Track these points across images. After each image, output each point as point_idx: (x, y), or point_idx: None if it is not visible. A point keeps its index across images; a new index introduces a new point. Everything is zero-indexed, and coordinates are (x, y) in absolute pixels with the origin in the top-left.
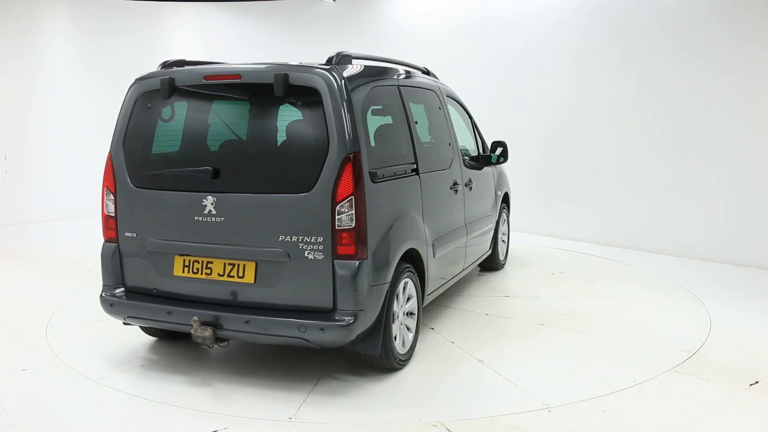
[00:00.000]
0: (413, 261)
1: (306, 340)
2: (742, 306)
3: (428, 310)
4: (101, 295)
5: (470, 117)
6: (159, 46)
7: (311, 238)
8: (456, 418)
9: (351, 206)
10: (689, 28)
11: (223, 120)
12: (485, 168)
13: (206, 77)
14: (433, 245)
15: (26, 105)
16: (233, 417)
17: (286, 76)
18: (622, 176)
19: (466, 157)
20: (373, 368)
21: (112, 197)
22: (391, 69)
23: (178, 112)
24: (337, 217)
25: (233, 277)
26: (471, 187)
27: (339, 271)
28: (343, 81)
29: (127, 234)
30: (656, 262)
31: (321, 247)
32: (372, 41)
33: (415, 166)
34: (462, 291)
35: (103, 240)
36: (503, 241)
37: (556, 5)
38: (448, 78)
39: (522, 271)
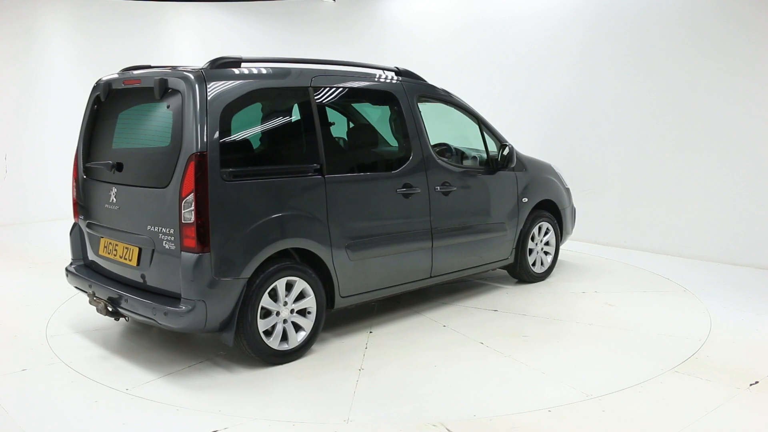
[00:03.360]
0: (316, 261)
1: (157, 322)
2: (742, 306)
3: (387, 313)
4: (66, 267)
5: (477, 119)
6: (159, 46)
7: (167, 230)
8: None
9: (193, 203)
10: (691, 28)
11: (131, 120)
12: (501, 173)
13: (124, 82)
14: (347, 248)
15: (26, 105)
16: (233, 417)
17: (164, 80)
18: (623, 176)
19: (441, 159)
20: (253, 360)
21: (75, 185)
22: (303, 71)
23: (115, 113)
24: (182, 212)
25: (126, 259)
26: (449, 192)
27: (181, 262)
28: (201, 84)
29: (80, 216)
30: (656, 262)
31: (173, 239)
32: (373, 42)
33: (318, 167)
34: (456, 300)
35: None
36: (546, 252)
37: (558, 5)
38: (449, 78)
39: (557, 285)
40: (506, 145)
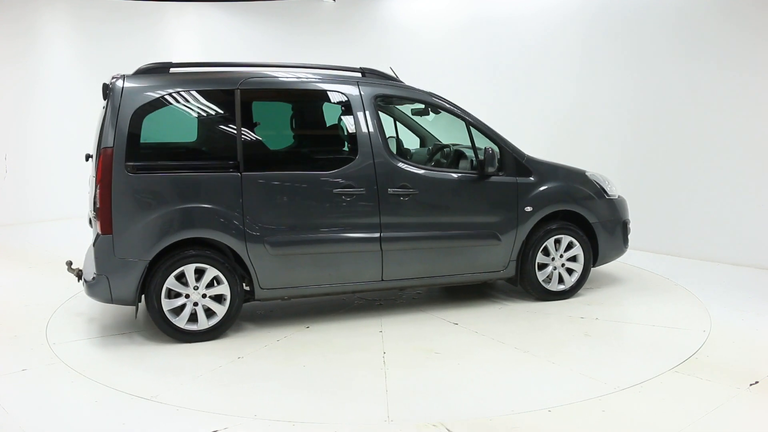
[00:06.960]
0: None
1: (85, 292)
2: (742, 306)
3: (350, 312)
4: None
5: (465, 120)
6: (159, 47)
7: (93, 213)
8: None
9: (99, 191)
10: (691, 28)
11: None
12: (494, 177)
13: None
14: (267, 242)
15: (27, 105)
16: (233, 417)
17: (105, 84)
18: (623, 176)
19: (404, 161)
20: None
21: None
22: (232, 76)
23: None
24: (95, 198)
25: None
26: (408, 195)
27: (93, 241)
28: (119, 88)
29: None
30: (656, 262)
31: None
32: (373, 42)
33: (236, 164)
34: (432, 309)
35: None
36: (568, 270)
37: (558, 5)
38: (449, 78)
39: (569, 306)
40: (488, 148)
